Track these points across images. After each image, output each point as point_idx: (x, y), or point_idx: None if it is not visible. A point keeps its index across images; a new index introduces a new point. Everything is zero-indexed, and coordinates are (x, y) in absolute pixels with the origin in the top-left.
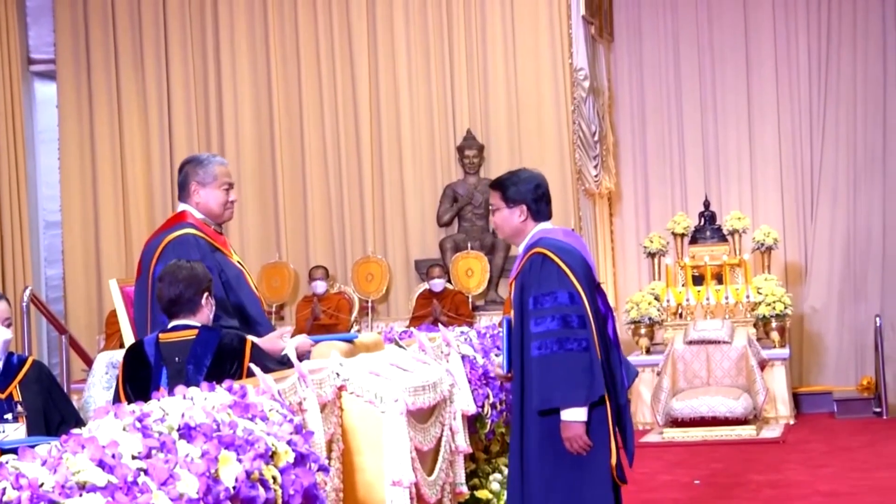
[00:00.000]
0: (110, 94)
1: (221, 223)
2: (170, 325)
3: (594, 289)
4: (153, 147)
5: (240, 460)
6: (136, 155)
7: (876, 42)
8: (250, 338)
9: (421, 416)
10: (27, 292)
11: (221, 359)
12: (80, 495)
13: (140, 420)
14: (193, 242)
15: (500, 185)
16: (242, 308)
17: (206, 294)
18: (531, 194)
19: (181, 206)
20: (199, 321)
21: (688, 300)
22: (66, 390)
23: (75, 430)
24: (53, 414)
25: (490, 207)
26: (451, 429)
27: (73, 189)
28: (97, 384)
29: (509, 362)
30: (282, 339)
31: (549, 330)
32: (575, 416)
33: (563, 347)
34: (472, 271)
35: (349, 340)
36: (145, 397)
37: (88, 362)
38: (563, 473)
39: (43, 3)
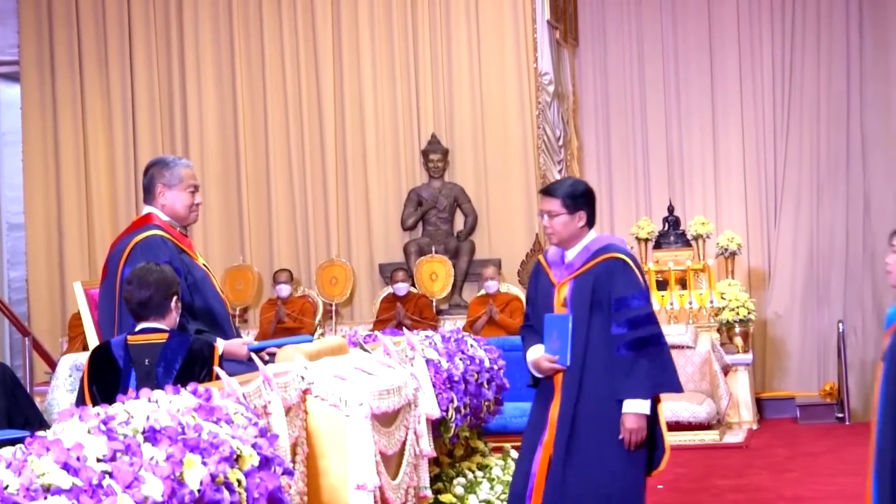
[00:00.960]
0: (74, 96)
1: (187, 225)
2: (138, 328)
3: None
4: (117, 149)
5: (205, 463)
6: (100, 157)
7: (840, 50)
8: (217, 342)
9: (385, 420)
10: None
11: (191, 364)
12: (45, 498)
13: (105, 423)
14: (161, 244)
15: (558, 192)
16: (208, 310)
17: (174, 297)
18: (589, 200)
19: (146, 209)
20: (168, 325)
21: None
22: (28, 393)
23: (40, 433)
24: (17, 416)
25: (545, 213)
26: (415, 432)
27: (37, 191)
28: (61, 387)
29: (570, 355)
30: (244, 347)
31: (644, 324)
32: (643, 408)
33: (660, 342)
34: (436, 275)
35: (304, 342)
36: (112, 398)
37: (52, 365)
38: (630, 468)
39: (7, 4)
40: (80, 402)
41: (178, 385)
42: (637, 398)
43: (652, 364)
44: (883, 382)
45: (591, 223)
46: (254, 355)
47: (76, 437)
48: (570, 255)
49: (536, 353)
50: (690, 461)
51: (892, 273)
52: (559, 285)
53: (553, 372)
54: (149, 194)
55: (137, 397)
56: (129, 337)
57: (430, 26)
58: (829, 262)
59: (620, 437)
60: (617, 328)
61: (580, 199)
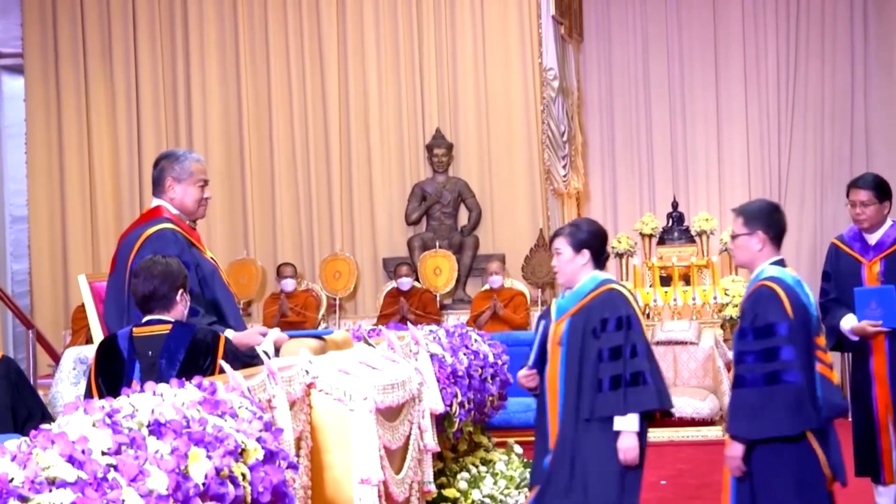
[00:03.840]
0: (78, 89)
1: (195, 220)
2: (144, 320)
3: None
4: (121, 142)
5: (209, 457)
6: (104, 150)
7: (844, 48)
8: (226, 333)
9: (390, 415)
10: None
11: (195, 354)
12: (50, 491)
13: (110, 416)
14: (172, 237)
15: (867, 184)
16: (216, 303)
17: (180, 290)
18: (890, 191)
19: (155, 201)
20: (174, 317)
21: (655, 301)
22: (33, 386)
23: (44, 426)
24: (21, 409)
25: (859, 202)
26: (419, 427)
27: (40, 184)
28: (65, 380)
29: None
30: (259, 335)
31: None
32: None
33: None
34: (439, 270)
35: (319, 337)
36: (117, 391)
37: (55, 358)
38: None
39: None
40: (88, 394)
41: (182, 377)
42: None
43: None
44: None
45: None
46: (259, 350)
47: (81, 431)
48: (874, 237)
49: (853, 321)
50: (693, 457)
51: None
52: (870, 263)
53: (876, 335)
54: (158, 187)
55: (142, 390)
56: (134, 329)
57: (434, 21)
58: None
59: None
60: None
61: (886, 191)
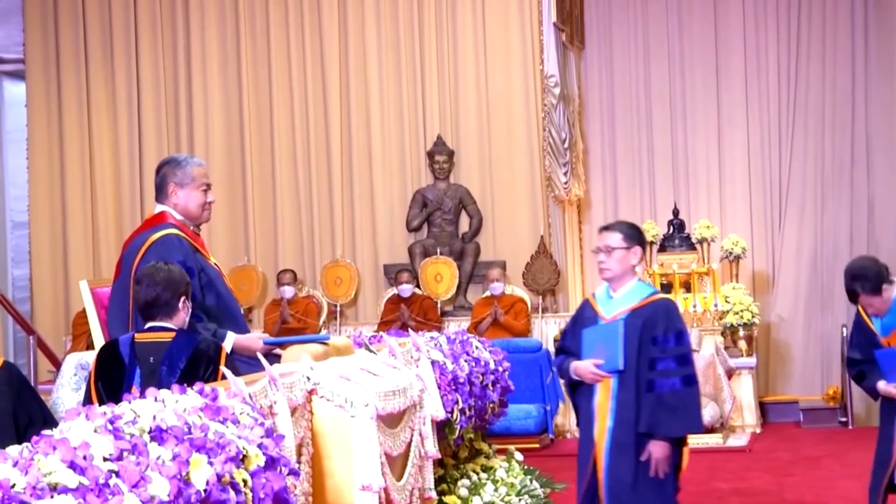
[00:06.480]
0: (80, 95)
1: (199, 224)
2: (146, 327)
3: None
4: (122, 148)
5: (211, 463)
6: (105, 156)
7: (844, 55)
8: (228, 336)
9: (391, 421)
10: None
11: (196, 363)
12: (52, 497)
13: (112, 422)
14: (176, 243)
15: None
16: (220, 309)
17: (182, 297)
18: None
19: (159, 207)
20: (176, 324)
21: None
22: (35, 391)
23: (46, 431)
24: (22, 416)
25: None
26: (420, 434)
27: (42, 189)
28: (66, 385)
29: None
30: (261, 341)
31: None
32: None
33: None
34: (440, 277)
35: (321, 341)
36: (117, 396)
37: (56, 363)
38: None
39: (12, 2)
40: (87, 399)
41: (183, 384)
42: None
43: None
44: None
45: None
46: (260, 355)
47: (83, 436)
48: None
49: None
50: (693, 464)
51: None
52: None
53: None
54: (161, 193)
55: (143, 396)
56: (136, 335)
57: (436, 27)
58: (832, 266)
59: None
60: None
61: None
